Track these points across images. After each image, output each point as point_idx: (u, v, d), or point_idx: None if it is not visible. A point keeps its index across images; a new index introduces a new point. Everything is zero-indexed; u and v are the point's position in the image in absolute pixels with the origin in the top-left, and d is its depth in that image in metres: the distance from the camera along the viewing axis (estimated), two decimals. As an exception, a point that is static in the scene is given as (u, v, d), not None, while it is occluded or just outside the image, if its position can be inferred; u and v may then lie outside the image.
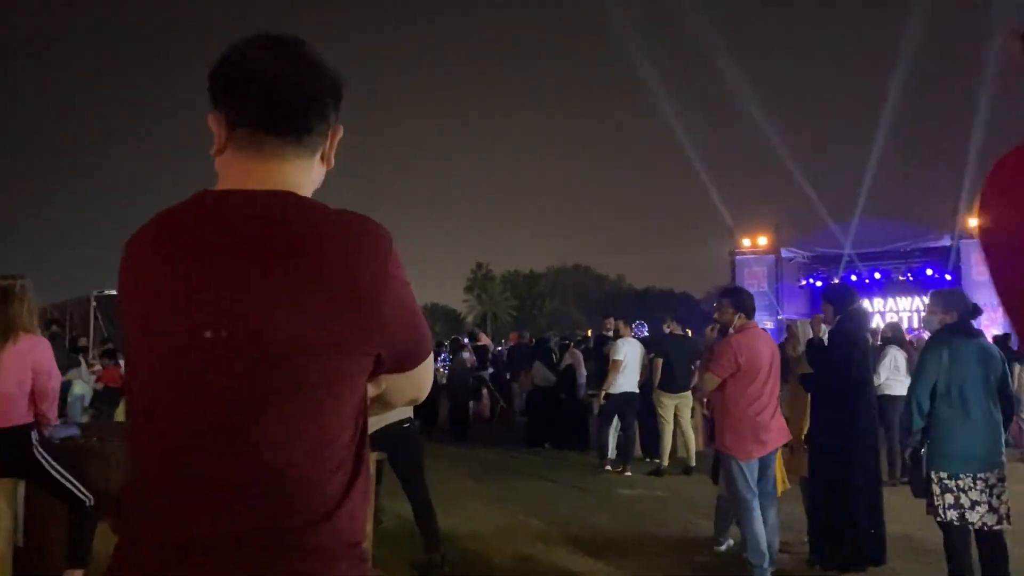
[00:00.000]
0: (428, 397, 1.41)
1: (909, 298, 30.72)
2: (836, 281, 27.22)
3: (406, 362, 1.24)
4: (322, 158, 1.26)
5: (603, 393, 8.91)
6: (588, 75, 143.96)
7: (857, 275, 30.62)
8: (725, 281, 37.17)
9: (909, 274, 30.17)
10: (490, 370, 14.84)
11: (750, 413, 4.50)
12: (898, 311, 30.95)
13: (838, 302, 4.98)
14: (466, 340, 15.60)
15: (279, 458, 1.05)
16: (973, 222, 27.18)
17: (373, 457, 5.15)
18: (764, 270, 32.36)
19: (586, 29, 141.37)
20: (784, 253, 32.34)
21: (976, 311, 4.16)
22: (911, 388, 4.09)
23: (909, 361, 8.21)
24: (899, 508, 5.31)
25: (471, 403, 13.85)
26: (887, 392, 7.80)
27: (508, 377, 14.05)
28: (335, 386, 1.10)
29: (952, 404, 3.88)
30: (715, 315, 4.89)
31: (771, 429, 4.54)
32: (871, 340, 7.67)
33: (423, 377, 1.30)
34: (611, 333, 10.08)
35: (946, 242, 28.26)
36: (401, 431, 4.83)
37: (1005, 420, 3.94)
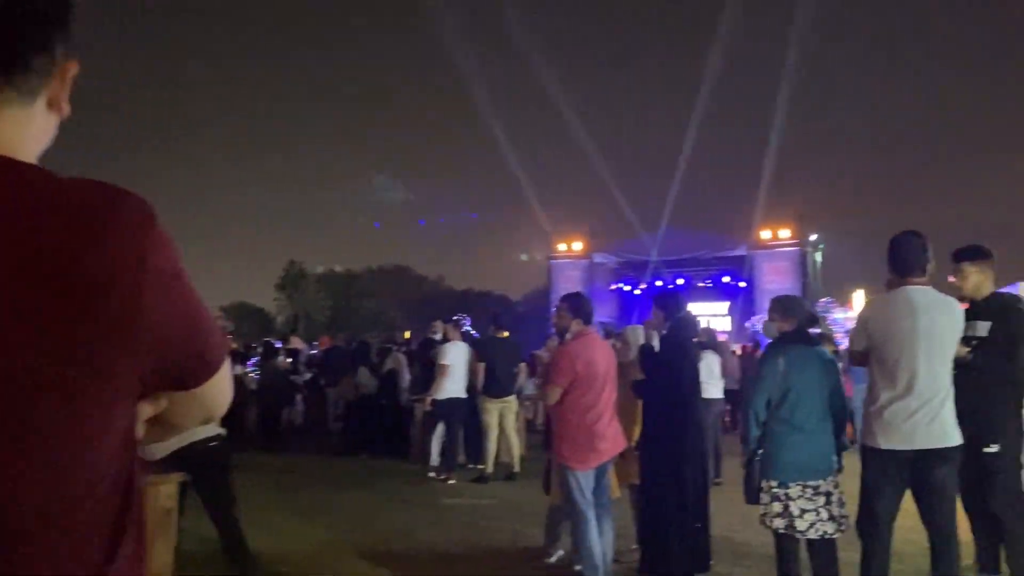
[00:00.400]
0: (234, 404, 1.07)
1: (708, 303, 32.96)
2: (668, 286, 28.60)
3: (187, 379, 0.92)
4: (50, 104, 0.90)
5: (429, 399, 8.62)
6: (409, 76, 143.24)
7: (662, 281, 32.40)
8: (542, 284, 38.15)
9: (709, 280, 32.32)
10: (305, 375, 14.13)
11: (587, 422, 4.39)
12: (698, 315, 32.99)
13: (669, 309, 5.00)
14: (279, 343, 14.78)
15: None
16: (765, 234, 29.50)
17: (174, 480, 4.58)
18: (578, 274, 33.40)
19: (406, 27, 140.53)
20: (596, 258, 33.59)
21: (813, 319, 4.23)
22: (748, 397, 4.09)
23: (722, 365, 8.58)
24: (715, 510, 5.40)
25: (284, 410, 13.11)
26: (703, 395, 8.08)
27: (323, 383, 13.42)
28: (80, 419, 0.79)
29: (786, 413, 3.88)
30: (553, 320, 4.74)
31: (607, 437, 4.45)
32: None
33: (213, 395, 0.97)
34: (438, 336, 9.80)
35: (742, 252, 30.46)
36: (207, 451, 4.31)
37: (839, 428, 4.03)
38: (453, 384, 8.50)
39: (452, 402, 8.54)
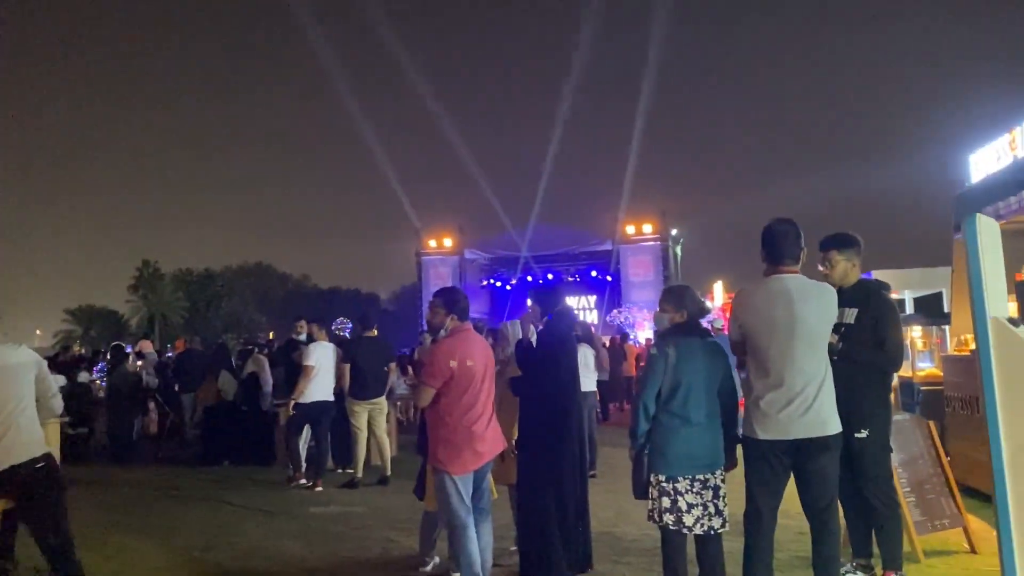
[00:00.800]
0: (81, 413, 0.76)
1: (577, 297, 33.59)
2: (540, 281, 28.76)
3: None
4: None
5: (292, 403, 8.12)
6: (275, 69, 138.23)
7: (532, 276, 32.75)
8: (412, 281, 37.68)
9: (577, 275, 32.93)
10: (156, 381, 13.17)
11: (465, 423, 4.13)
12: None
13: (546, 302, 4.81)
14: (129, 348, 13.73)
15: None
16: (630, 229, 30.30)
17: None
18: (448, 271, 33.27)
19: (273, 22, 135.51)
20: (467, 255, 33.54)
21: (704, 310, 4.10)
22: (638, 389, 3.91)
23: (596, 358, 8.54)
24: (593, 505, 5.27)
25: (136, 418, 12.17)
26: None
27: (177, 388, 12.54)
28: None
29: (676, 406, 3.75)
30: (427, 317, 4.46)
31: (486, 439, 4.21)
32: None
33: None
34: (302, 336, 9.28)
35: (608, 247, 31.20)
36: (32, 474, 3.77)
37: (730, 421, 3.93)
38: (318, 386, 8.05)
39: (318, 405, 8.08)
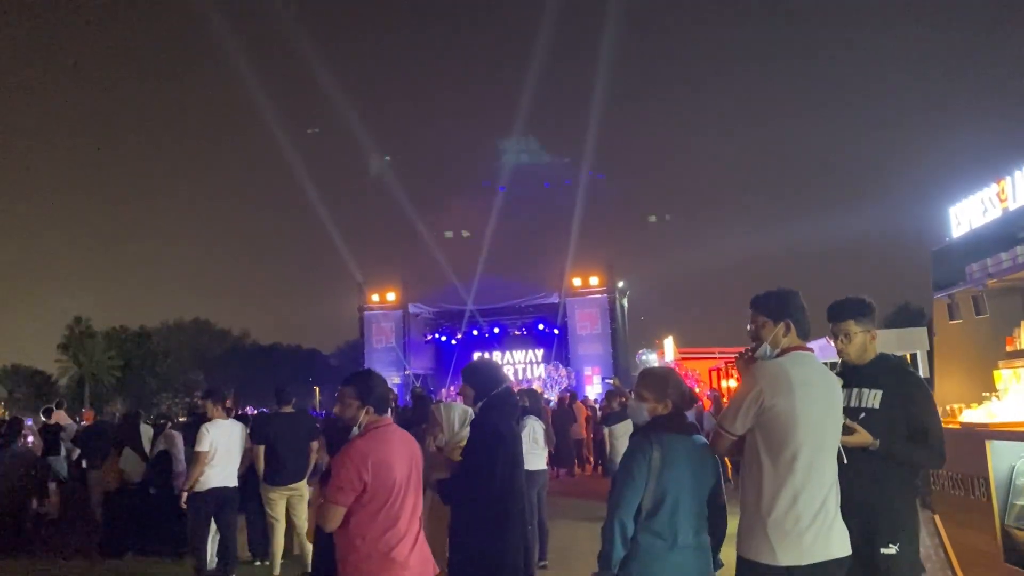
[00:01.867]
0: None
1: (524, 351, 32.90)
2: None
3: None
4: None
5: (184, 493, 7.06)
6: (214, 119, 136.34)
7: (478, 330, 32.01)
8: (354, 337, 36.52)
9: (524, 328, 32.30)
10: (62, 457, 11.92)
11: (382, 548, 3.26)
12: (514, 363, 32.95)
13: (480, 384, 3.97)
14: (31, 421, 12.44)
15: None
16: (577, 281, 29.84)
17: None
18: (392, 325, 32.36)
19: (213, 69, 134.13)
20: (411, 308, 32.68)
21: (691, 399, 3.29)
22: (612, 505, 3.07)
23: (546, 433, 7.76)
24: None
25: (32, 501, 10.90)
26: (527, 467, 7.17)
27: (84, 465, 11.31)
28: None
29: (661, 524, 2.99)
30: (335, 410, 3.61)
31: (411, 566, 3.33)
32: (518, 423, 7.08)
33: None
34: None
35: (555, 299, 30.68)
36: None
37: (717, 537, 3.18)
38: (218, 472, 7.00)
39: (217, 494, 6.99)
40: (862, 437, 3.33)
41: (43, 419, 13.41)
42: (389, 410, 3.55)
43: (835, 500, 2.96)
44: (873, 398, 3.46)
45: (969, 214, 6.05)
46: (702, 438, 3.16)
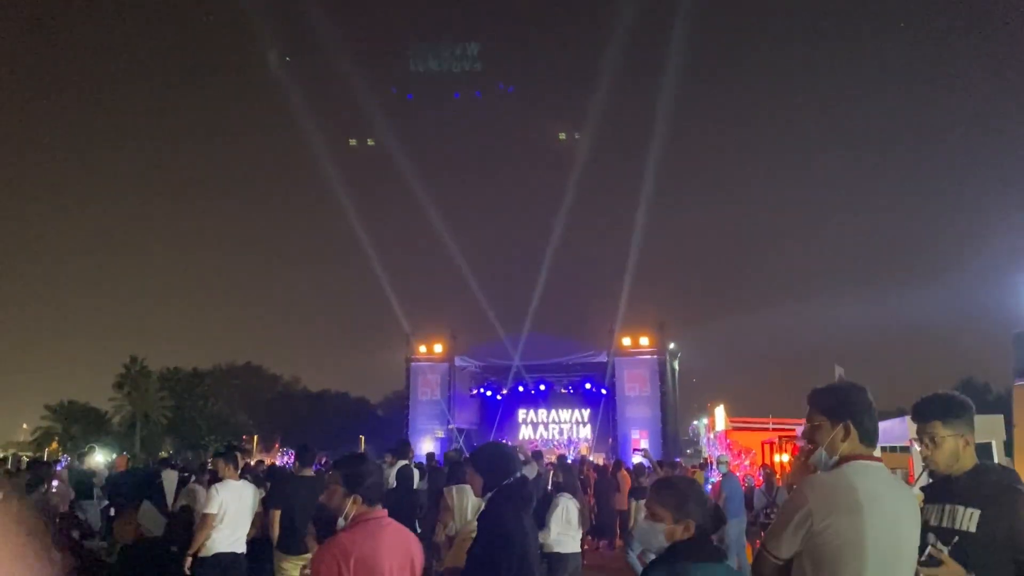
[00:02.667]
0: None
1: (569, 410, 32.20)
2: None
3: None
4: None
5: (188, 559, 6.67)
6: (266, 169, 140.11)
7: (524, 386, 31.47)
8: (400, 387, 36.23)
9: (570, 387, 31.64)
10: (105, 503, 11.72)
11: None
12: (560, 422, 32.23)
13: (489, 472, 3.49)
14: (63, 463, 12.30)
15: None
16: (626, 341, 29.15)
17: None
18: (438, 378, 32.02)
19: (269, 125, 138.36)
20: (457, 362, 32.35)
21: (719, 519, 2.68)
22: None
23: (582, 513, 7.20)
24: None
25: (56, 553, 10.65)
26: (557, 550, 6.65)
27: (113, 514, 11.07)
28: None
29: None
30: (322, 499, 3.17)
31: None
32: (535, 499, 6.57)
33: None
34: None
35: (603, 358, 30.01)
36: None
37: None
38: (225, 536, 6.60)
39: (224, 559, 6.60)
40: (953, 570, 2.72)
41: (77, 463, 13.33)
42: (381, 500, 3.11)
43: None
44: (969, 519, 2.83)
45: (1058, 292, 5.45)
46: (731, 567, 2.59)
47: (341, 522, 3.03)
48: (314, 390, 78.30)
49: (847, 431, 2.58)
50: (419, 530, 8.45)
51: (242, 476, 8.38)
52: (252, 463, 12.36)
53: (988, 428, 7.42)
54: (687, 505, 2.59)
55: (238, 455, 7.65)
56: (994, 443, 7.14)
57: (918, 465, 7.33)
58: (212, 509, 6.50)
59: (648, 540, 2.63)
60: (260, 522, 7.10)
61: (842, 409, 2.61)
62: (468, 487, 3.94)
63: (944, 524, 2.88)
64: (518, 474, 3.48)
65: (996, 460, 6.97)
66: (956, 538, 2.81)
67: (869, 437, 2.60)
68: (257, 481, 9.56)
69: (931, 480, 3.12)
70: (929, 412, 2.95)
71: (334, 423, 68.17)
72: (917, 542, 2.55)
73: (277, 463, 23.72)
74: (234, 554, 6.65)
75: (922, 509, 2.83)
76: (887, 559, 2.40)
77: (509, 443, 22.60)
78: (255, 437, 62.32)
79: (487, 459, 3.56)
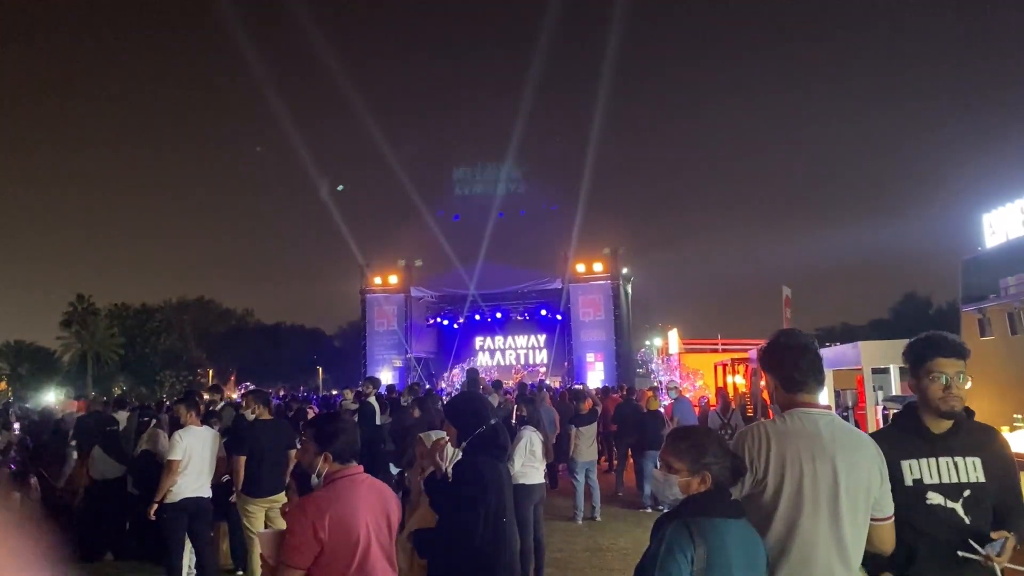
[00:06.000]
0: None
1: (526, 336, 32.57)
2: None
3: None
4: None
5: (154, 505, 6.63)
6: (219, 102, 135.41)
7: (480, 314, 31.63)
8: (356, 318, 36.04)
9: (526, 314, 31.92)
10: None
11: (344, 618, 2.85)
12: (516, 348, 32.61)
13: (464, 423, 3.51)
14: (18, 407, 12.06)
15: None
16: (580, 267, 29.34)
17: None
18: (394, 308, 31.96)
19: (217, 57, 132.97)
20: (413, 292, 32.28)
21: (738, 471, 2.49)
22: None
23: (545, 444, 7.34)
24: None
25: (17, 494, 10.54)
26: (522, 481, 6.81)
27: (77, 456, 10.94)
28: None
29: None
30: (296, 456, 3.17)
31: None
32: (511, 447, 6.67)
33: None
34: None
35: (558, 285, 30.21)
36: None
37: None
38: (191, 481, 6.59)
39: (191, 504, 6.59)
40: (1008, 547, 2.53)
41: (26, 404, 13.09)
42: (356, 457, 3.11)
43: None
44: (974, 468, 2.66)
45: (1006, 223, 5.54)
46: (748, 523, 2.45)
47: (315, 480, 3.03)
48: (269, 323, 77.68)
49: (776, 384, 2.70)
50: (393, 472, 8.54)
51: (209, 418, 8.34)
52: (229, 395, 12.26)
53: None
54: (705, 457, 2.43)
55: (198, 399, 7.60)
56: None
57: (868, 390, 7.59)
58: (176, 456, 6.47)
59: (662, 492, 2.56)
60: (222, 467, 7.09)
61: (767, 365, 2.74)
62: (441, 438, 3.97)
63: (949, 480, 2.65)
64: (492, 422, 3.51)
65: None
66: (968, 491, 2.63)
67: (798, 386, 2.64)
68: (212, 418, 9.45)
69: (895, 425, 2.92)
70: (949, 348, 2.71)
71: (291, 355, 67.88)
72: (870, 485, 2.56)
73: (235, 399, 23.62)
74: (199, 499, 6.64)
75: (898, 467, 2.66)
76: (823, 504, 2.47)
77: (473, 366, 22.73)
78: (210, 371, 61.92)
79: (461, 410, 3.59)
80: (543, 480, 7.37)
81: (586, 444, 10.41)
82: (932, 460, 2.67)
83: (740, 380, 16.71)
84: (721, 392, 14.93)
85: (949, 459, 2.66)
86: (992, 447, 2.72)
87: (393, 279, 32.10)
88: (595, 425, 11.08)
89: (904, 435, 2.77)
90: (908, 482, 2.66)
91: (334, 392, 32.09)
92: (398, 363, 31.13)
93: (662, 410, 12.77)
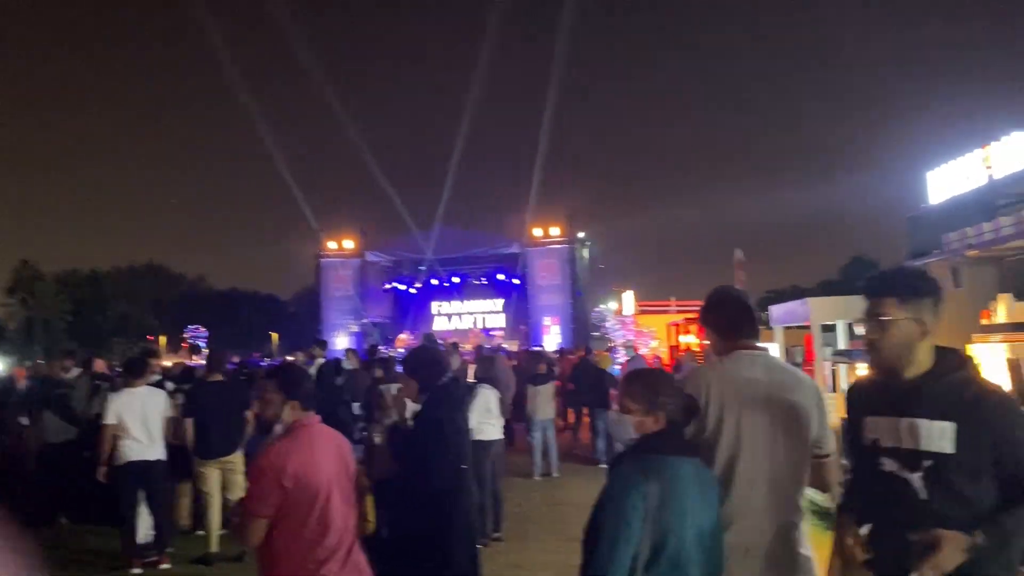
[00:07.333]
0: None
1: (483, 301, 32.64)
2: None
3: None
4: None
5: (102, 469, 6.59)
6: (167, 61, 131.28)
7: (438, 279, 31.58)
8: (311, 283, 35.74)
9: (483, 278, 31.94)
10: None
11: (309, 565, 2.89)
12: (474, 312, 32.69)
13: (424, 375, 3.58)
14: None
15: None
16: (537, 232, 29.42)
17: None
18: (350, 273, 31.73)
19: (163, 13, 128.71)
20: (369, 257, 32.07)
21: (691, 411, 2.55)
22: (601, 561, 2.25)
23: (502, 402, 7.44)
24: None
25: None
26: (480, 437, 6.90)
27: (28, 421, 10.75)
28: None
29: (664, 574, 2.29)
30: (255, 408, 3.18)
31: None
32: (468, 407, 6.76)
33: None
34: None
35: (515, 249, 30.28)
36: None
37: None
38: (135, 443, 6.53)
39: (139, 467, 6.55)
40: (952, 544, 1.95)
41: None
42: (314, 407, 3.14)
43: (790, 539, 2.59)
44: (940, 435, 2.13)
45: (949, 180, 5.73)
46: (701, 461, 2.50)
47: (278, 429, 3.06)
48: (222, 288, 76.50)
49: (714, 335, 2.88)
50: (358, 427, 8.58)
51: (159, 383, 8.26)
52: (170, 365, 12.09)
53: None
54: (658, 397, 2.47)
55: (151, 361, 7.52)
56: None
57: (817, 346, 7.81)
58: (108, 419, 6.43)
59: (618, 432, 2.63)
60: (173, 429, 7.04)
61: (706, 320, 2.96)
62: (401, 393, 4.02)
63: (905, 445, 2.19)
64: (449, 375, 3.57)
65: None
66: (928, 462, 2.14)
67: (735, 332, 2.81)
68: (174, 383, 9.41)
69: (866, 381, 2.51)
70: (883, 287, 2.29)
71: (245, 321, 67.04)
72: (808, 422, 2.65)
73: (189, 363, 23.31)
74: (147, 462, 6.59)
75: (860, 423, 2.35)
76: (760, 442, 2.58)
77: (428, 332, 22.73)
78: (163, 338, 60.88)
79: (419, 363, 3.64)
80: (501, 437, 7.49)
81: (544, 402, 10.60)
82: (892, 419, 2.25)
83: (693, 339, 17.05)
84: (674, 350, 15.21)
85: (912, 420, 2.19)
86: (980, 414, 2.13)
87: (348, 243, 31.79)
88: (552, 385, 11.27)
89: (873, 388, 2.39)
90: (866, 441, 2.32)
91: (289, 358, 31.86)
92: (354, 328, 30.97)
93: (616, 368, 13.02)
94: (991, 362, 5.25)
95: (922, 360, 2.24)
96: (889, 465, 2.21)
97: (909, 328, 2.22)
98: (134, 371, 6.80)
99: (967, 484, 2.09)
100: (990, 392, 2.23)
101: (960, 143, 5.71)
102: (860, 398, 2.41)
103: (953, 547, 1.93)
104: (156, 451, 6.68)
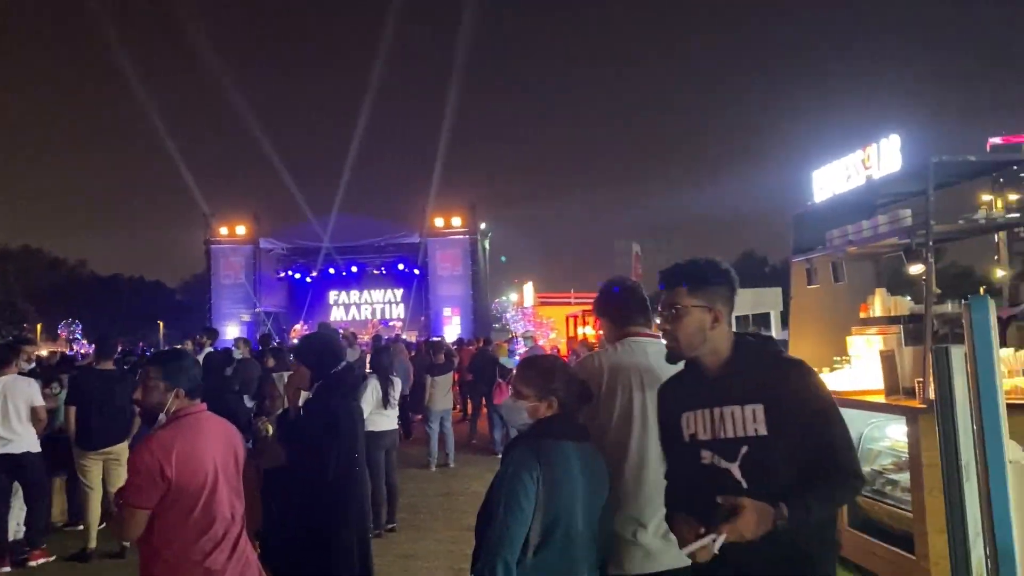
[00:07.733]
0: None
1: (382, 290, 32.24)
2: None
3: None
4: None
5: None
6: (48, 36, 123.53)
7: (335, 267, 30.95)
8: (201, 270, 34.39)
9: (383, 267, 31.51)
10: None
11: (194, 556, 2.78)
12: (373, 303, 32.25)
13: (317, 363, 3.48)
14: None
15: None
16: (439, 222, 29.27)
17: None
18: (241, 260, 30.70)
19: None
20: (262, 244, 31.12)
21: (584, 395, 2.57)
22: (494, 543, 2.26)
23: (393, 393, 7.36)
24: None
25: None
26: (371, 428, 6.80)
27: None
28: None
29: (550, 559, 2.32)
30: (137, 394, 3.01)
31: (228, 574, 2.87)
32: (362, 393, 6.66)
33: None
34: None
35: (416, 239, 30.01)
36: None
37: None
38: (9, 433, 6.17)
39: (6, 460, 6.19)
40: (754, 516, 2.01)
41: None
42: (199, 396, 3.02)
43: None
44: (752, 418, 2.18)
45: (832, 180, 6.05)
46: (592, 447, 2.54)
47: (162, 418, 2.92)
48: (104, 274, 72.83)
49: (608, 324, 3.02)
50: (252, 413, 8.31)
51: (32, 372, 7.79)
52: (44, 354, 11.42)
53: (767, 299, 8.31)
54: (551, 383, 2.52)
55: (24, 348, 7.08)
56: (772, 314, 8.00)
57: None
58: None
59: (512, 417, 2.60)
60: (51, 419, 6.64)
61: (601, 310, 3.08)
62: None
63: (722, 435, 2.22)
64: (344, 363, 3.49)
65: (773, 330, 7.83)
66: (744, 448, 2.17)
67: (627, 319, 2.93)
68: (49, 373, 8.94)
69: (675, 379, 2.47)
70: (675, 277, 2.33)
71: (128, 309, 64.05)
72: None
73: (68, 352, 22.09)
74: (15, 455, 6.21)
75: (677, 421, 2.35)
76: (651, 427, 2.65)
77: (323, 321, 22.25)
78: (39, 326, 57.43)
79: (312, 350, 3.55)
80: (395, 427, 7.42)
81: (441, 393, 10.55)
82: (707, 411, 2.26)
83: (590, 331, 17.37)
84: (572, 341, 15.45)
85: (724, 409, 2.22)
86: (782, 388, 2.19)
87: (241, 229, 30.71)
88: (451, 375, 11.25)
89: (683, 383, 2.40)
90: (685, 438, 2.32)
91: (178, 347, 30.63)
92: (246, 317, 30.03)
93: (514, 359, 13.12)
94: (867, 353, 5.55)
95: (720, 347, 2.30)
96: (708, 458, 2.23)
97: (700, 316, 2.27)
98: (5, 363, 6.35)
99: (783, 465, 2.13)
100: (791, 366, 2.30)
101: (843, 143, 6.05)
102: (673, 396, 2.42)
103: (756, 515, 1.98)
104: (22, 444, 6.27)
